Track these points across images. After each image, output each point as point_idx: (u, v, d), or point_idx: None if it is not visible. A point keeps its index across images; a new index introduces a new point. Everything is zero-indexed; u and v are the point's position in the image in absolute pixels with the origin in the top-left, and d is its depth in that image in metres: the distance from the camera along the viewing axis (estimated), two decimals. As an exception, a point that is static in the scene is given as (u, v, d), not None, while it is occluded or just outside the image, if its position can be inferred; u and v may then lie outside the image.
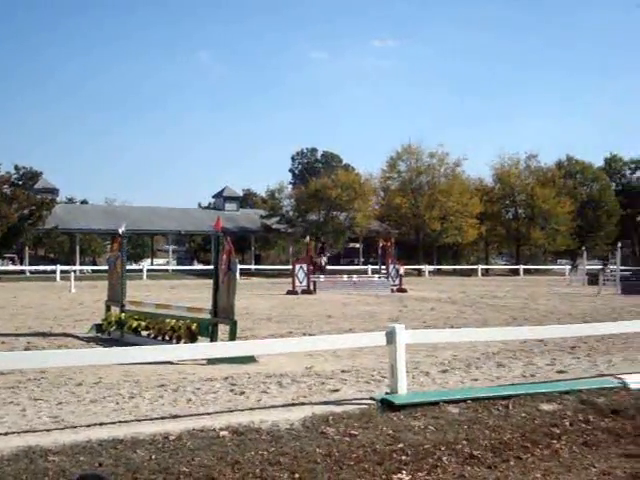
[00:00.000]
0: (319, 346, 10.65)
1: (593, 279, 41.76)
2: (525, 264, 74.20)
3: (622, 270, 42.25)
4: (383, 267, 40.93)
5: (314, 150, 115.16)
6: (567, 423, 8.37)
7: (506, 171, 75.84)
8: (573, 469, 7.00)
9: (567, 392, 9.39)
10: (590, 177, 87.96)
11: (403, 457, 7.03)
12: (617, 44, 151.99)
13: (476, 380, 10.64)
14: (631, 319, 18.53)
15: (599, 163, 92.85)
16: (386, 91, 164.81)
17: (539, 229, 74.25)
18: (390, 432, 7.59)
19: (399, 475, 6.65)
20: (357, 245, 72.53)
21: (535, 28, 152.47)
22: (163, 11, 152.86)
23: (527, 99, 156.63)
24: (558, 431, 8.10)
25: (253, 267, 62.82)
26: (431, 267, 65.09)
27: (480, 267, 68.36)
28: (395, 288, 36.45)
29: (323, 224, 64.45)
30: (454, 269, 69.71)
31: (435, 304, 26.60)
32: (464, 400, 8.76)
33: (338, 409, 8.35)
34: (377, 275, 40.99)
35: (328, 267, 47.21)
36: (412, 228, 69.53)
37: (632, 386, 9.91)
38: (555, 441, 7.85)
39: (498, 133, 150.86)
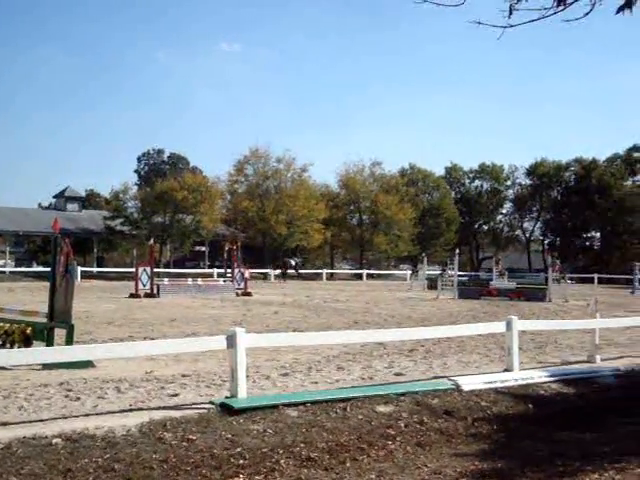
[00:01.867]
0: (159, 350, 10.46)
1: (432, 284, 43.17)
2: (368, 269, 75.71)
3: (460, 275, 43.87)
4: (229, 271, 40.79)
5: (161, 151, 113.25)
6: (402, 424, 8.60)
7: (351, 178, 77.14)
8: (406, 469, 7.20)
9: (403, 394, 9.64)
10: (431, 185, 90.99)
11: (241, 461, 7.02)
12: (437, 54, 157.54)
13: (316, 383, 10.76)
14: (466, 323, 19.29)
15: (440, 172, 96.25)
16: (234, 94, 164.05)
17: (382, 235, 75.90)
18: (229, 436, 7.56)
19: (236, 479, 6.63)
20: (203, 248, 71.99)
21: (375, 37, 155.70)
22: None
23: (371, 106, 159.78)
24: (393, 432, 8.31)
25: (95, 270, 61.02)
26: (277, 271, 65.36)
27: (325, 271, 69.25)
28: (240, 292, 36.39)
29: (168, 226, 63.55)
30: (299, 273, 70.19)
31: (279, 308, 26.73)
32: (303, 403, 8.84)
33: (177, 414, 8.24)
34: (222, 279, 40.81)
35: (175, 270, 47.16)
36: (259, 232, 69.64)
37: (464, 388, 10.30)
38: (390, 442, 8.04)
39: (344, 140, 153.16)
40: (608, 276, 72.28)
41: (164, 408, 8.64)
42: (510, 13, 5.38)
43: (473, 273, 70.73)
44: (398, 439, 8.17)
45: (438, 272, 50.51)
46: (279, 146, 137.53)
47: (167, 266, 63.38)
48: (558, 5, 5.62)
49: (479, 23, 5.39)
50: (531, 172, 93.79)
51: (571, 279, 62.36)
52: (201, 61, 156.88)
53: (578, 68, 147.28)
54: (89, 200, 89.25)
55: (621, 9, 6.00)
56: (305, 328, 18.50)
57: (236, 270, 38.02)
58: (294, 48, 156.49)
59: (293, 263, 64.39)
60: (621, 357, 14.24)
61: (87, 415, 8.26)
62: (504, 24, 5.31)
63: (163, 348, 10.38)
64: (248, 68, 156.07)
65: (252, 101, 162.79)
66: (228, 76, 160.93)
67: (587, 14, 5.56)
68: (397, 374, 11.75)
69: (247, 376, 9.47)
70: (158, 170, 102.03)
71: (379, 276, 74.42)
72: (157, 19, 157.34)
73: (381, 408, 9.02)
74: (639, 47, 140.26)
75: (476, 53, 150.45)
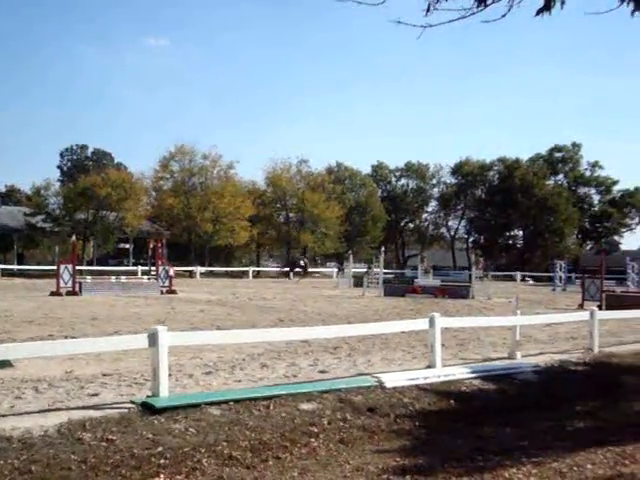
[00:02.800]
0: (79, 349, 10.24)
1: (358, 281, 43.43)
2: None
3: (385, 273, 44.26)
4: (153, 268, 40.32)
5: (84, 147, 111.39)
6: (325, 422, 8.60)
7: (278, 175, 77.11)
8: (329, 466, 7.20)
9: (327, 391, 9.65)
10: (358, 183, 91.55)
11: (162, 461, 6.93)
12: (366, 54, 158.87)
13: (240, 381, 10.69)
14: (391, 320, 19.45)
15: (367, 170, 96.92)
16: (160, 89, 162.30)
17: (309, 232, 76.10)
18: (150, 436, 7.46)
19: (157, 479, 6.54)
20: (127, 246, 70.97)
21: (301, 35, 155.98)
22: None
23: (299, 104, 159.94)
24: (316, 430, 8.30)
25: (16, 267, 59.66)
26: (203, 269, 64.83)
27: (251, 269, 69.04)
28: (165, 290, 36.02)
29: (92, 223, 62.44)
30: (226, 271, 69.79)
31: (204, 306, 26.53)
32: (226, 401, 8.77)
33: (96, 414, 8.09)
34: (147, 276, 40.31)
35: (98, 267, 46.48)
36: (184, 229, 68.95)
37: (387, 384, 10.36)
38: (313, 439, 8.04)
39: (271, 138, 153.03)
40: (530, 273, 73.83)
41: (84, 408, 8.47)
42: (427, 11, 5.41)
43: (399, 271, 71.38)
44: (321, 436, 8.17)
45: (364, 270, 50.85)
46: (205, 143, 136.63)
47: (90, 263, 62.28)
48: (478, 5, 5.68)
49: (399, 22, 5.41)
50: (456, 171, 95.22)
51: (495, 276, 63.45)
52: (126, 56, 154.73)
53: (500, 68, 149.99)
54: (9, 196, 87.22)
55: (540, 11, 6.10)
56: (230, 326, 18.38)
57: (161, 268, 37.60)
58: (222, 44, 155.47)
59: (302, 263, 66.67)
60: (541, 353, 14.51)
61: (3, 416, 8.05)
62: (424, 23, 5.34)
63: (84, 347, 10.16)
64: (175, 63, 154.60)
65: (179, 97, 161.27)
66: (154, 71, 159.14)
67: (504, 15, 5.64)
68: (321, 371, 11.76)
69: (170, 375, 9.36)
70: (81, 166, 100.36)
71: (306, 274, 74.48)
72: (81, 12, 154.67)
73: (304, 406, 9.01)
74: (558, 48, 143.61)
75: (401, 51, 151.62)
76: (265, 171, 78.58)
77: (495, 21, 5.84)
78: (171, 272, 37.85)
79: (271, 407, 8.78)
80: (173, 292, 35.63)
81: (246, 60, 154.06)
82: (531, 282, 67.27)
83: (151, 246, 42.63)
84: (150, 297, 32.05)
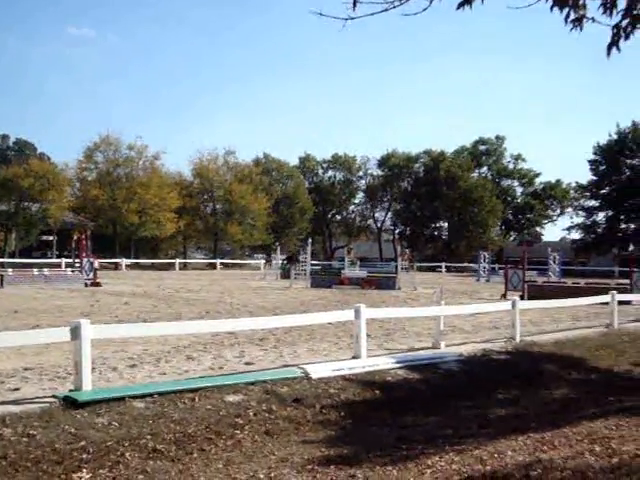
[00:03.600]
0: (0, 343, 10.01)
1: (286, 273, 43.44)
2: (223, 258, 75.52)
3: (312, 264, 44.36)
4: (77, 261, 39.63)
5: (5, 137, 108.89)
6: (251, 413, 8.59)
7: (205, 166, 76.53)
8: (254, 458, 7.20)
9: (253, 383, 9.64)
10: (285, 175, 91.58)
11: (84, 455, 6.84)
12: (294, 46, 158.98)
13: (165, 374, 10.59)
14: (317, 311, 19.52)
15: (294, 162, 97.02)
16: (84, 80, 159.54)
17: (236, 224, 75.73)
18: (72, 430, 7.34)
19: (79, 474, 6.46)
20: (51, 238, 69.53)
21: (226, 27, 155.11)
22: None
23: (227, 96, 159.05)
24: (242, 421, 8.29)
25: None
26: (128, 261, 64.05)
27: (178, 261, 68.41)
28: (89, 282, 35.46)
29: (14, 215, 60.97)
30: (152, 263, 69.03)
31: (130, 298, 26.22)
32: (150, 394, 8.68)
33: (17, 409, 7.92)
34: (71, 269, 39.59)
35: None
36: (109, 221, 67.88)
37: (313, 375, 10.39)
38: (239, 431, 8.03)
39: (198, 129, 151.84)
40: (455, 264, 74.99)
41: (3, 403, 8.28)
42: (354, 6, 5.43)
43: (326, 262, 71.62)
44: (246, 428, 8.16)
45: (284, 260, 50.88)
46: (131, 134, 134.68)
47: (12, 256, 60.72)
48: (401, -3, 5.71)
49: (320, 14, 5.40)
50: (382, 163, 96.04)
51: (420, 267, 64.17)
52: (49, 45, 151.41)
53: (426, 61, 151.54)
54: None
55: (461, 5, 6.17)
56: (155, 319, 18.21)
57: (85, 260, 36.99)
58: (146, 34, 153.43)
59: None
60: (465, 343, 14.75)
61: None
62: (346, 16, 5.35)
63: (4, 340, 9.89)
64: (99, 54, 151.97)
65: (104, 88, 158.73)
66: (78, 61, 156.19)
67: (425, 9, 5.69)
68: (247, 363, 11.73)
69: (93, 368, 9.23)
70: (3, 156, 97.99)
71: (233, 265, 74.26)
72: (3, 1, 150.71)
73: (230, 398, 8.98)
74: (481, 41, 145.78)
75: (327, 42, 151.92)
76: (192, 162, 77.99)
77: (416, 14, 5.89)
78: (96, 264, 37.27)
79: (196, 399, 8.73)
80: (98, 285, 35.09)
81: (171, 50, 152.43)
82: (443, 271, 68.36)
83: (75, 238, 41.94)
84: (74, 290, 31.52)
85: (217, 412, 8.43)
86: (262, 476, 6.48)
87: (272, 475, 6.51)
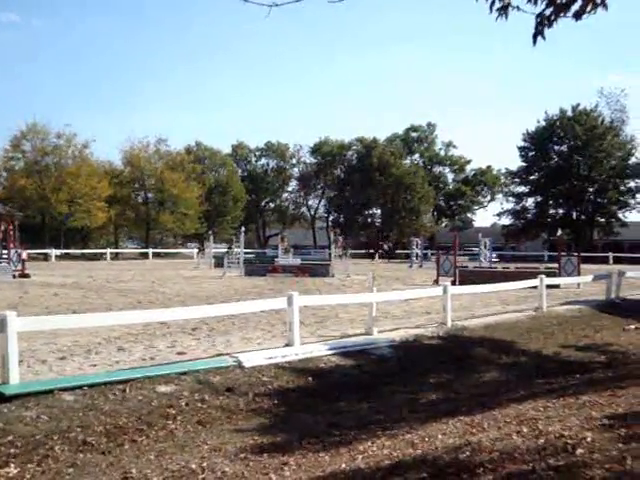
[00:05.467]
0: None
1: (219, 262, 43.18)
2: (155, 248, 74.75)
3: (246, 253, 44.22)
4: (4, 252, 38.76)
5: None
6: (183, 403, 8.55)
7: (136, 155, 75.46)
8: (186, 447, 7.16)
9: (185, 373, 9.60)
10: (218, 163, 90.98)
11: (12, 450, 6.74)
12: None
13: (95, 366, 10.44)
14: (251, 300, 19.47)
15: (227, 150, 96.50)
16: (10, 66, 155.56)
17: (169, 213, 75.01)
18: (-1, 425, 7.20)
19: (6, 469, 6.35)
20: (-24, 229, 67.82)
21: (167, 18, 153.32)
22: None
23: (157, 82, 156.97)
24: (174, 412, 8.25)
25: None
26: (58, 251, 62.88)
27: (109, 251, 67.51)
28: (17, 273, 34.70)
29: None
30: (83, 253, 67.93)
31: (59, 289, 25.75)
32: (80, 387, 8.58)
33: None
34: (-2, 260, 38.68)
35: None
36: (37, 211, 66.43)
37: (246, 364, 10.39)
38: (171, 422, 7.98)
39: (129, 117, 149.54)
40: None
41: None
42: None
43: (260, 250, 71.49)
44: (179, 418, 8.12)
45: (225, 250, 50.62)
46: (60, 122, 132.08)
47: (-64, 248, 59.28)
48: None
49: (245, 0, 5.36)
50: (315, 151, 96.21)
51: (354, 254, 64.52)
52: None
53: (357, 47, 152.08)
54: None
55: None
56: (86, 310, 17.91)
57: (13, 251, 36.20)
58: (73, 20, 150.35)
59: (386, 247, 70.39)
60: (397, 329, 14.89)
61: None
62: (270, 2, 5.30)
63: None
64: (25, 39, 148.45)
65: (31, 74, 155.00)
66: (3, 47, 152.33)
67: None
68: (179, 353, 11.64)
69: (21, 361, 9.08)
70: None
71: (166, 255, 73.64)
72: None
73: (162, 388, 8.93)
74: (411, 29, 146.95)
75: (257, 28, 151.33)
76: (122, 151, 76.77)
77: (342, 1, 5.88)
78: (24, 255, 36.51)
79: (127, 391, 8.65)
80: (26, 276, 34.36)
81: (100, 38, 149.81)
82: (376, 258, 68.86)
83: (2, 229, 40.97)
84: (1, 282, 30.81)
85: (149, 403, 8.37)
86: (194, 466, 6.44)
87: (204, 465, 6.47)
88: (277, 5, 5.29)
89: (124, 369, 10.03)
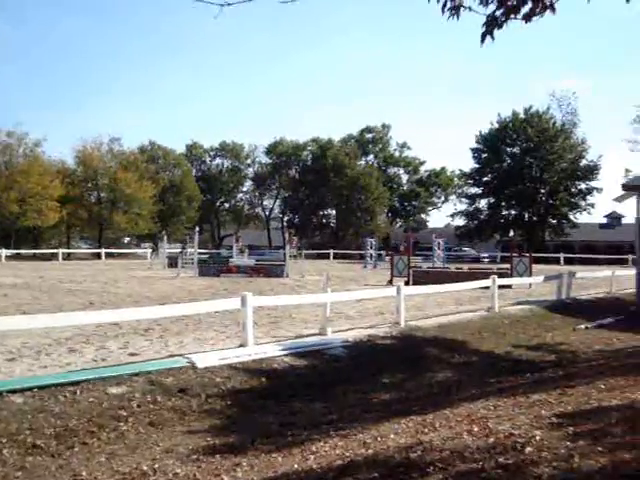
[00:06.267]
0: None
1: (173, 262, 42.90)
2: (108, 248, 73.93)
3: (200, 253, 44.00)
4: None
5: None
6: (135, 405, 8.48)
7: (89, 154, 74.60)
8: (138, 449, 7.11)
9: (137, 374, 9.52)
10: (172, 163, 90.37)
11: (-42, 454, 6.61)
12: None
13: (45, 367, 10.31)
14: (204, 300, 19.36)
15: (181, 149, 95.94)
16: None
17: (122, 213, 74.26)
18: (-56, 429, 7.08)
19: (-48, 474, 6.23)
20: None
21: (123, 16, 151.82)
22: None
23: (109, 85, 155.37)
24: (125, 413, 8.18)
25: None
26: (8, 251, 61.88)
27: (61, 251, 66.59)
28: (-33, 274, 34.22)
29: None
30: (34, 253, 67.02)
31: (9, 290, 25.35)
32: (30, 389, 8.46)
33: None
34: (-53, 260, 38.09)
35: None
36: (-13, 211, 65.43)
37: (199, 365, 10.33)
38: (122, 424, 7.91)
39: (83, 117, 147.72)
40: (343, 251, 75.76)
41: None
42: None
43: (214, 251, 71.14)
44: (130, 420, 8.05)
45: (179, 250, 50.31)
46: (10, 120, 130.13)
47: None
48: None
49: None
50: (270, 151, 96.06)
51: (309, 255, 64.54)
52: None
53: (309, 46, 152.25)
54: None
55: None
56: (37, 310, 17.65)
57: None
58: (29, 17, 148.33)
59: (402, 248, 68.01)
60: (351, 329, 14.94)
61: None
62: (222, 2, 5.26)
63: None
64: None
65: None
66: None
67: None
68: (132, 354, 11.54)
69: (-33, 364, 8.92)
70: None
71: (120, 255, 72.89)
72: None
73: (113, 390, 8.84)
74: (359, 31, 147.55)
75: (211, 30, 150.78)
76: (75, 150, 75.83)
77: (293, 2, 5.87)
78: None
79: (78, 393, 8.55)
80: (-24, 276, 33.88)
81: (53, 35, 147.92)
82: (331, 258, 68.92)
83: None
84: (-50, 282, 30.29)
85: (100, 405, 8.28)
86: (146, 468, 6.40)
87: (156, 466, 6.43)
88: (229, 4, 5.26)
89: (75, 371, 9.91)
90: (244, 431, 7.78)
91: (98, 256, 68.28)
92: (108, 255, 69.01)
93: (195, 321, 15.79)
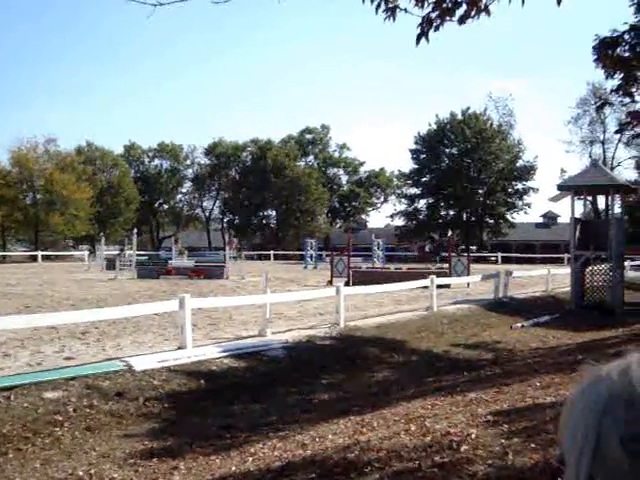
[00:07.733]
0: None
1: (111, 264, 42.39)
2: (45, 250, 72.66)
3: (139, 255, 43.56)
4: None
5: None
6: (71, 409, 8.36)
7: (24, 155, 73.30)
8: (74, 455, 7.02)
9: (73, 378, 9.38)
10: (110, 164, 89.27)
11: None
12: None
13: (-22, 373, 10.10)
14: (143, 302, 19.18)
15: (119, 150, 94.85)
16: None
17: (58, 215, 73.06)
18: None
19: None
20: None
21: (57, 15, 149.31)
22: None
23: (49, 85, 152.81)
24: (61, 418, 8.06)
25: None
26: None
27: (-4, 254, 65.42)
28: None
29: None
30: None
31: (-59, 294, 24.79)
32: (-39, 395, 8.27)
33: None
34: None
35: None
36: None
37: (137, 368, 10.23)
38: (58, 429, 7.80)
39: (17, 117, 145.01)
40: (284, 252, 75.74)
41: None
42: None
43: (153, 252, 70.46)
44: (66, 425, 7.93)
45: (116, 252, 49.72)
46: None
47: None
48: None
49: (129, -1, 5.25)
50: (209, 152, 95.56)
51: (249, 256, 64.37)
52: None
53: (249, 50, 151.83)
54: None
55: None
56: (-30, 315, 17.29)
57: None
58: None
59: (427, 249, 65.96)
60: (290, 330, 14.94)
61: None
62: (155, 2, 5.22)
63: None
64: None
65: None
66: None
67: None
68: (68, 358, 11.36)
69: None
70: None
71: (57, 257, 71.69)
72: None
73: (49, 394, 8.69)
74: (306, 31, 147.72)
75: (147, 30, 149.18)
76: (10, 151, 74.39)
77: (227, 2, 5.86)
78: None
79: (12, 398, 8.39)
80: None
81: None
82: (272, 260, 68.87)
83: None
84: None
85: (35, 410, 8.14)
86: (82, 473, 6.31)
87: (92, 472, 6.35)
88: (162, 4, 5.22)
89: (9, 375, 9.72)
90: (182, 434, 7.74)
91: (34, 259, 67.11)
92: (45, 258, 67.81)
93: (133, 324, 15.62)
